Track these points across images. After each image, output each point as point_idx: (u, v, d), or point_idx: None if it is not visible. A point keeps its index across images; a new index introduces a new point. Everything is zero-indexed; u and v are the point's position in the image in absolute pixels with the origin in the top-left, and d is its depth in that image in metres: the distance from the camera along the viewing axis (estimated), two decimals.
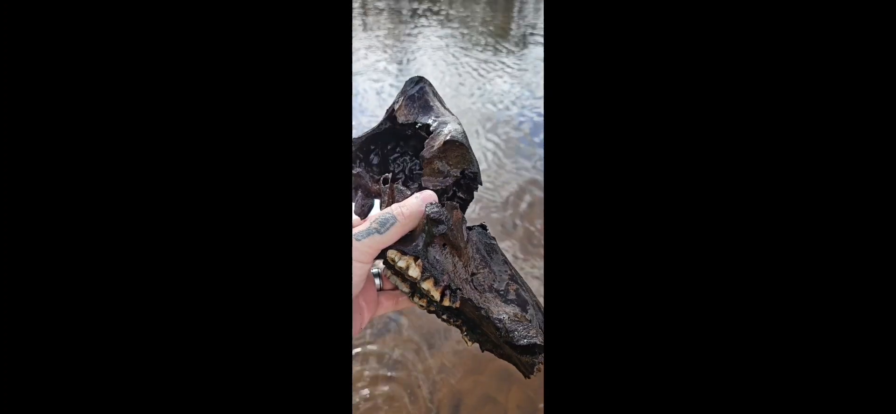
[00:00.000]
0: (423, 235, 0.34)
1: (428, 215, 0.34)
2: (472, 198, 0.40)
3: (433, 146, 0.38)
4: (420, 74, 0.44)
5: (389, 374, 1.16)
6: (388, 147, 0.44)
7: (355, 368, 1.17)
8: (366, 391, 1.12)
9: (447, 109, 0.43)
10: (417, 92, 0.42)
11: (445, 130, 0.39)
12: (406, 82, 0.44)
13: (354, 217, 0.41)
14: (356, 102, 2.50)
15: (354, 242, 0.32)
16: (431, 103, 0.42)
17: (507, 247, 1.51)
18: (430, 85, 0.44)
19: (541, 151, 2.02)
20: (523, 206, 1.70)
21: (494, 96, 2.55)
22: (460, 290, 0.35)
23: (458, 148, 0.38)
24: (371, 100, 2.52)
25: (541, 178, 1.82)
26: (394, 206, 0.35)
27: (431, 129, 0.40)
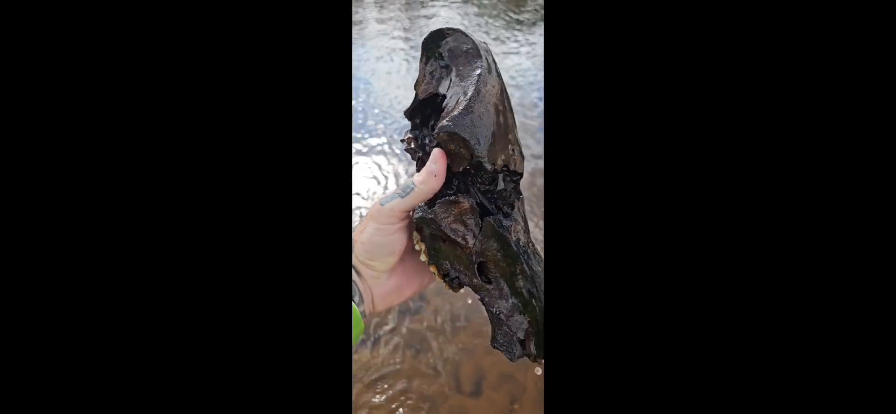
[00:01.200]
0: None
1: (413, 220, 0.36)
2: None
3: (440, 129, 0.34)
4: (438, 28, 0.38)
5: (416, 350, 1.26)
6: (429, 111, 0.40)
7: (382, 343, 1.28)
8: (396, 365, 1.23)
9: (475, 65, 0.35)
10: (435, 57, 0.37)
11: (444, 115, 0.34)
12: (422, 43, 0.38)
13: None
14: (361, 82, 2.53)
15: (379, 207, 0.35)
16: (448, 65, 0.37)
17: None
18: (455, 38, 0.37)
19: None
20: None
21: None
22: (460, 277, 0.37)
23: (455, 140, 0.33)
24: (381, 79, 2.55)
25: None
26: (416, 175, 0.36)
27: (444, 104, 0.35)
